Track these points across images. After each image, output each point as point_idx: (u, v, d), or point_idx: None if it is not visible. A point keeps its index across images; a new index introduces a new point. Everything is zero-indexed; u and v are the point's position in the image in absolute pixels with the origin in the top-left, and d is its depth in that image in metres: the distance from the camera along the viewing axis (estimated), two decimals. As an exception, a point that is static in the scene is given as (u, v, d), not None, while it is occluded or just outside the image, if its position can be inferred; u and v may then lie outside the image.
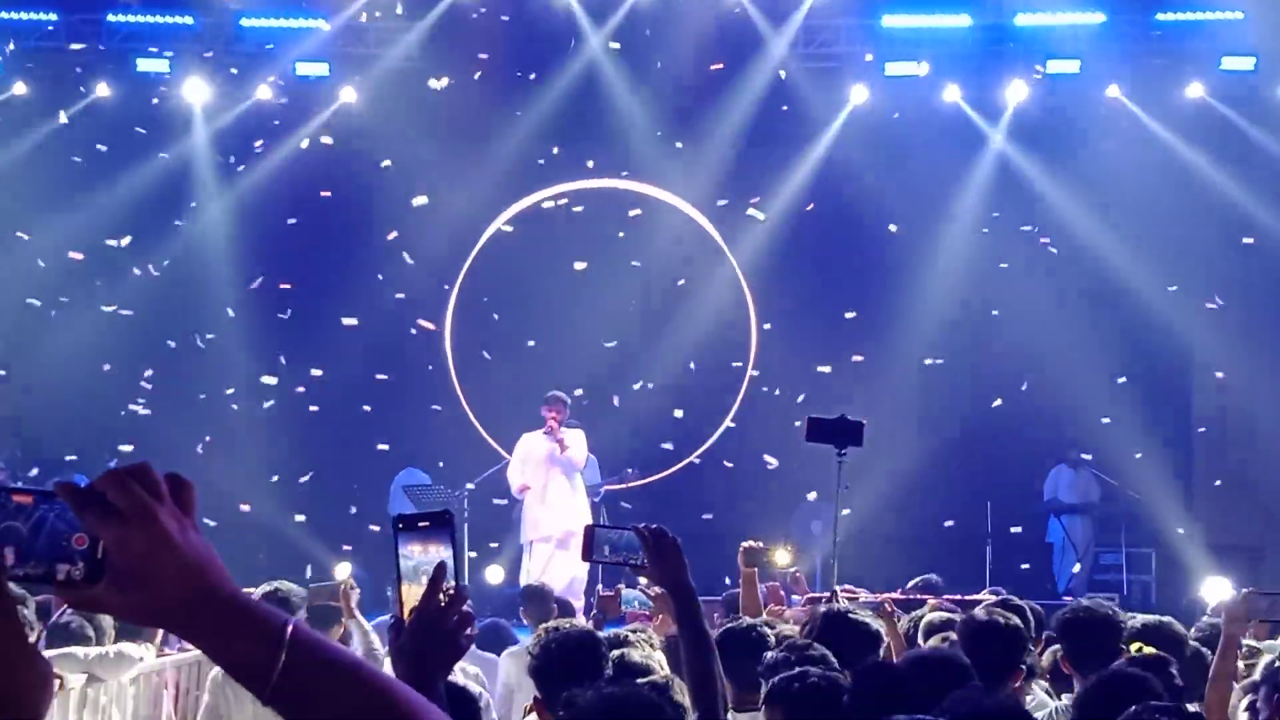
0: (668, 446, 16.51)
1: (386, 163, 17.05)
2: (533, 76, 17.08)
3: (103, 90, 17.10)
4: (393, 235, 16.99)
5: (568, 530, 13.67)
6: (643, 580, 10.43)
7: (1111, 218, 17.06)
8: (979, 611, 5.82)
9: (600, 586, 9.57)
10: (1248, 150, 16.81)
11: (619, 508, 15.71)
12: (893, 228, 16.98)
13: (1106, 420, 16.49)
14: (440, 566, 2.62)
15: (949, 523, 16.19)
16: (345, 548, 15.04)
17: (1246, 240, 16.62)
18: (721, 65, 16.79)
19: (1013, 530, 15.85)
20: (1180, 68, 16.69)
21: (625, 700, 3.79)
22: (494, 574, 14.77)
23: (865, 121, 17.25)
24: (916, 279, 17.14)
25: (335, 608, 7.83)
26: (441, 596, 2.63)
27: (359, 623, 7.81)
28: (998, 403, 16.66)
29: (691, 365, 16.83)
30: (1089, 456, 16.67)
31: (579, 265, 16.68)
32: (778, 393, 16.62)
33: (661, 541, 4.25)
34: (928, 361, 16.96)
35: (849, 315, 16.87)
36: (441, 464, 16.77)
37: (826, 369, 16.75)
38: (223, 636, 1.56)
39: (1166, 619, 6.58)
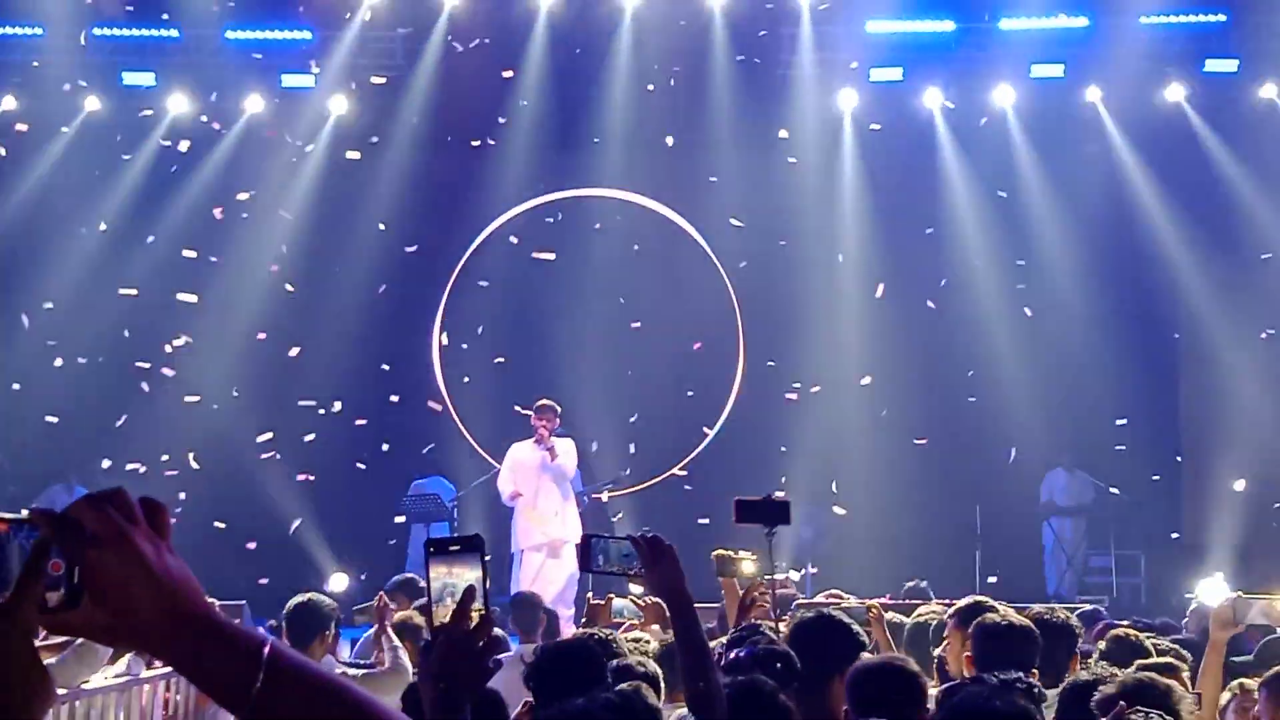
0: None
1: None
2: (508, 77, 17.06)
3: (93, 104, 17.10)
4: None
5: (559, 539, 13.64)
6: (634, 589, 10.43)
7: (1098, 220, 17.16)
8: (993, 615, 5.89)
9: (590, 595, 9.55)
10: (1223, 154, 16.90)
11: (608, 516, 15.71)
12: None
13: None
14: (469, 590, 2.63)
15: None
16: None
17: (1264, 256, 16.69)
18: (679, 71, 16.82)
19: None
20: (1163, 71, 16.73)
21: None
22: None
23: (847, 128, 17.31)
24: (906, 287, 17.22)
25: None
26: (470, 620, 2.64)
27: (389, 637, 7.96)
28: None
29: (689, 392, 16.76)
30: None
31: (546, 255, 16.69)
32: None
33: (657, 549, 4.23)
34: (864, 382, 17.01)
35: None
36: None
37: (804, 390, 16.81)
38: (201, 657, 1.57)
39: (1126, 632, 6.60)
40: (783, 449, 16.57)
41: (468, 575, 2.66)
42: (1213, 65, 16.54)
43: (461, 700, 2.71)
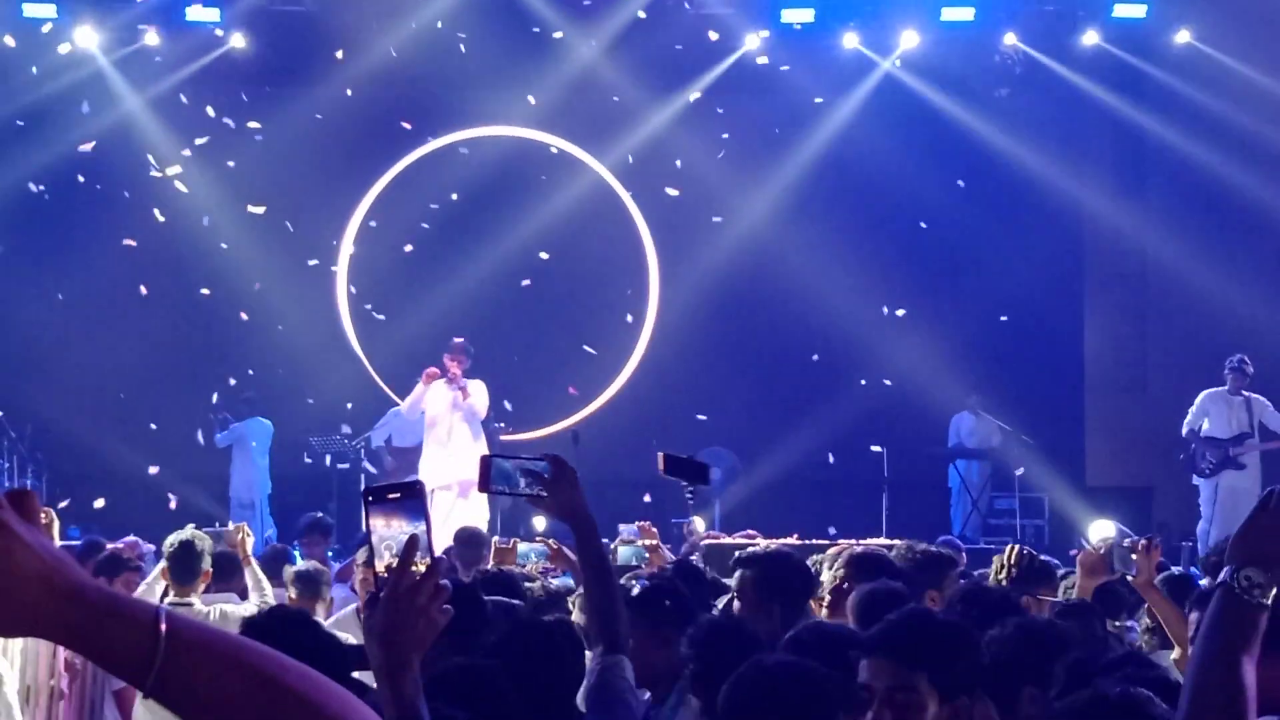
0: (573, 391, 16.57)
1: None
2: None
3: (9, 41, 16.61)
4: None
5: (468, 480, 13.60)
6: (538, 525, 10.46)
7: (1008, 163, 17.31)
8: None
9: (496, 539, 9.56)
10: (1143, 95, 17.10)
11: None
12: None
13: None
14: (412, 540, 2.55)
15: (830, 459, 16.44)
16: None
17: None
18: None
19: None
20: (1073, 15, 16.82)
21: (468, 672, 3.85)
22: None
23: (758, 69, 17.23)
24: (814, 226, 17.29)
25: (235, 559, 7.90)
26: (414, 571, 2.55)
27: (253, 570, 7.85)
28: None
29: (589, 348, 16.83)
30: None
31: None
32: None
33: (559, 471, 4.21)
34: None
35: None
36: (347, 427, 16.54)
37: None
38: (96, 634, 1.52)
39: None
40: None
41: (408, 525, 2.59)
42: (1121, 10, 16.60)
43: (410, 656, 2.61)
